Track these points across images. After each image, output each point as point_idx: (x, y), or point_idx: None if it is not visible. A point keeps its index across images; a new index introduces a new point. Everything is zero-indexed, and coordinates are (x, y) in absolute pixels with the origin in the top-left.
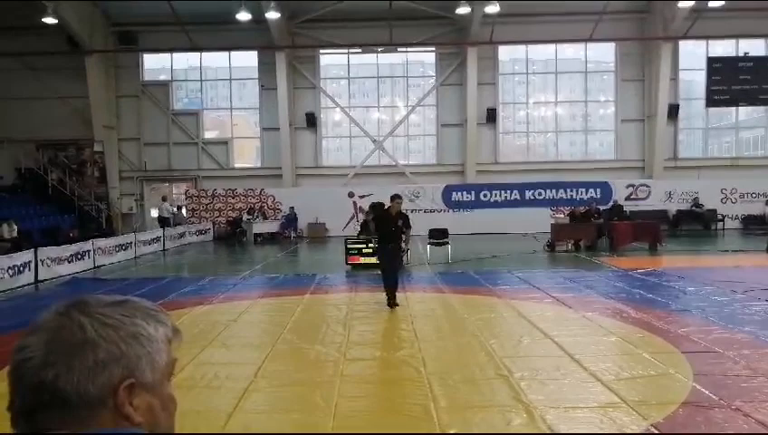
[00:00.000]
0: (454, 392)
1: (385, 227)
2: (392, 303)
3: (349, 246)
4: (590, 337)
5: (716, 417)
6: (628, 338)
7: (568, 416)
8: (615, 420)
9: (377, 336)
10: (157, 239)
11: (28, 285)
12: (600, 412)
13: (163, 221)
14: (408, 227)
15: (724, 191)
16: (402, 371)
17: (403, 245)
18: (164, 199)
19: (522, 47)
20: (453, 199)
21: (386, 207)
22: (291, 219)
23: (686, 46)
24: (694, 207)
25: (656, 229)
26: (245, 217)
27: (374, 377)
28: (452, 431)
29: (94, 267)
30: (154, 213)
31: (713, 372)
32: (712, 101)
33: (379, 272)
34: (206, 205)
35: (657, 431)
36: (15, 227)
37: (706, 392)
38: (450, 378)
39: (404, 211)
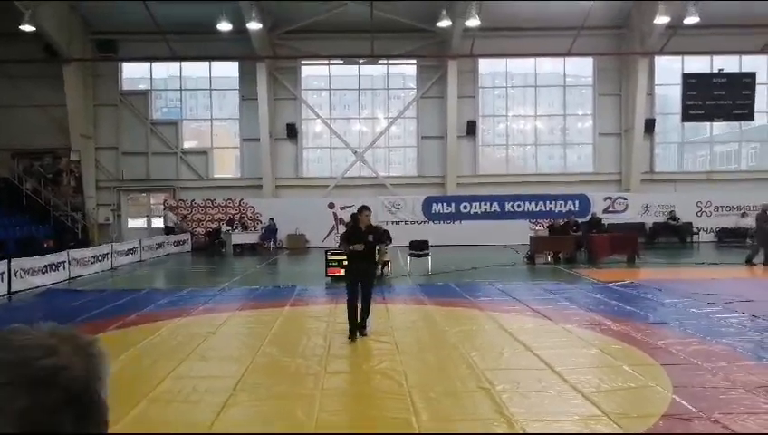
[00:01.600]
0: (435, 405)
1: (353, 242)
2: (355, 332)
3: (329, 257)
4: (570, 349)
5: (697, 429)
6: (607, 350)
7: (550, 429)
8: (597, 433)
9: (357, 349)
10: (133, 250)
11: (1, 296)
12: (581, 425)
13: (169, 230)
14: (384, 241)
15: (699, 204)
16: (383, 384)
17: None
18: (170, 209)
19: (501, 61)
20: (433, 211)
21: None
22: (271, 230)
23: (661, 62)
24: (670, 220)
25: (633, 242)
26: (225, 227)
27: (355, 390)
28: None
29: (69, 278)
30: (131, 223)
31: (692, 383)
32: (687, 115)
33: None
34: (185, 215)
35: None
36: None
37: (686, 404)
38: (432, 391)
39: (378, 225)
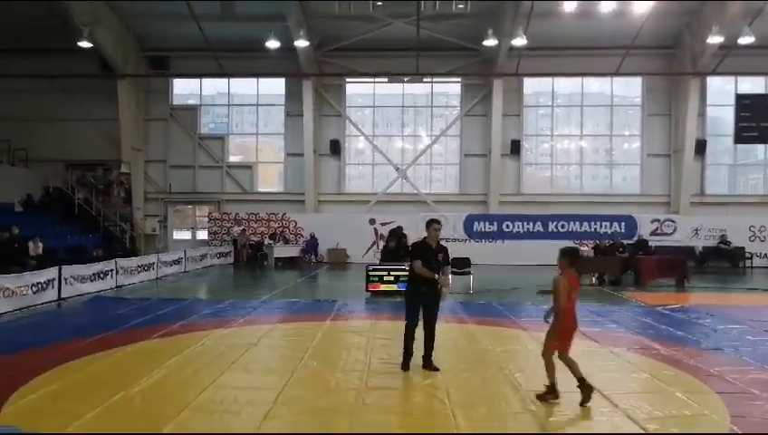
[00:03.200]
0: (479, 426)
1: (424, 261)
2: (409, 361)
3: (370, 273)
4: (619, 373)
5: None
6: (658, 375)
7: None
8: None
9: (398, 366)
10: (178, 261)
11: (51, 302)
12: None
13: (234, 243)
14: (448, 263)
15: (752, 229)
16: (425, 401)
17: (442, 287)
18: (241, 228)
19: (547, 81)
20: (475, 229)
21: (420, 235)
22: (312, 245)
23: (713, 82)
24: (721, 244)
25: (683, 265)
26: (267, 241)
27: (397, 407)
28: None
29: (116, 287)
30: (177, 235)
31: (751, 414)
32: (740, 137)
33: (405, 312)
34: (229, 228)
35: None
36: (41, 245)
37: None
38: (475, 411)
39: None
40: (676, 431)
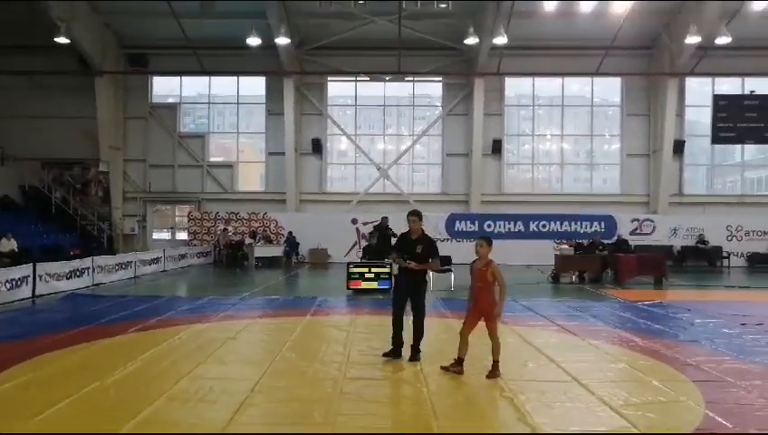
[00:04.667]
0: (456, 412)
1: (399, 252)
2: (397, 350)
3: (351, 270)
4: (596, 363)
5: None
6: (636, 365)
7: None
8: None
9: (378, 357)
10: (157, 260)
11: (25, 299)
12: None
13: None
14: (433, 255)
15: (729, 228)
16: (403, 390)
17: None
18: (223, 227)
19: (528, 82)
20: (456, 229)
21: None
22: (291, 243)
23: (691, 83)
24: (699, 244)
25: (661, 263)
26: (248, 240)
27: (375, 395)
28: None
29: (93, 285)
30: (156, 235)
31: (725, 400)
32: (718, 137)
33: (391, 305)
34: (209, 228)
35: None
36: (14, 242)
37: (720, 420)
38: (452, 398)
39: (426, 235)
40: (651, 416)
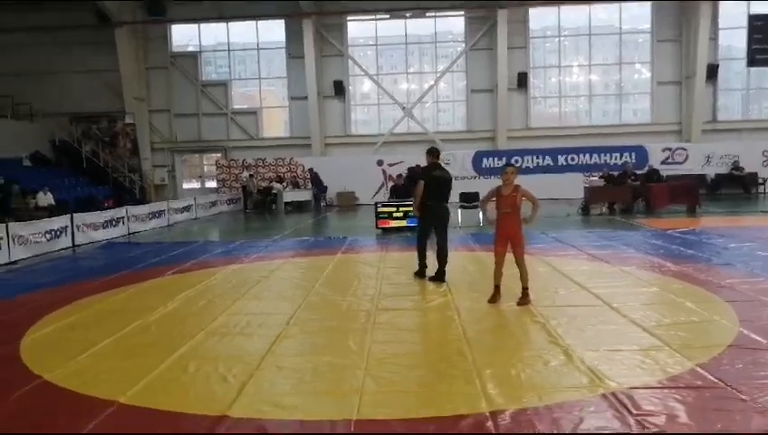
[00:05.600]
0: (488, 337)
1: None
2: (422, 271)
3: (379, 209)
4: (628, 288)
5: (765, 358)
6: (669, 289)
7: (607, 357)
8: (657, 361)
9: (409, 289)
10: (188, 208)
11: (65, 249)
12: (641, 354)
13: (244, 190)
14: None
15: (765, 154)
16: (435, 318)
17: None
18: (249, 174)
19: (553, 12)
20: (483, 166)
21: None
22: (317, 182)
23: (725, 4)
24: (733, 171)
25: (694, 190)
26: (275, 185)
27: (408, 324)
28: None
29: (128, 234)
30: (186, 184)
31: (760, 317)
32: (753, 60)
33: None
34: (237, 175)
35: (702, 372)
36: (51, 196)
37: (754, 336)
38: (483, 324)
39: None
40: (684, 335)
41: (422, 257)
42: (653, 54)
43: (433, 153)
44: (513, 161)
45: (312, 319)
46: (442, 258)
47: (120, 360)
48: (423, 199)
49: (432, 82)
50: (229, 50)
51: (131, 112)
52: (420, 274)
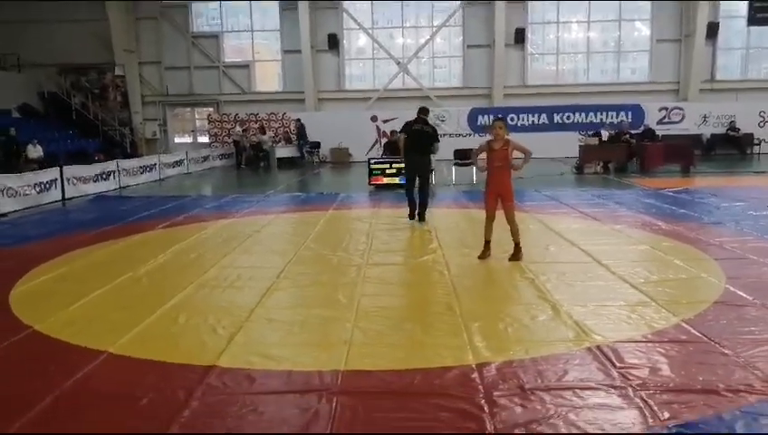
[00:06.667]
0: (477, 292)
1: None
2: (413, 213)
3: (372, 166)
4: (618, 246)
5: (749, 314)
6: (658, 247)
7: (594, 312)
8: (643, 317)
9: (400, 245)
10: (180, 162)
11: (55, 202)
12: (627, 309)
13: (237, 145)
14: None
15: (762, 114)
16: (425, 273)
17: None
18: (242, 129)
19: None
20: (479, 123)
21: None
22: (302, 135)
23: None
24: (729, 131)
25: (688, 151)
26: (261, 137)
27: (397, 278)
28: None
29: (119, 187)
30: (177, 139)
31: (747, 275)
32: (754, 19)
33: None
34: (229, 129)
35: (687, 327)
36: (40, 148)
37: (740, 293)
38: (473, 279)
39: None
40: (671, 291)
41: (410, 202)
42: (653, 12)
43: (421, 111)
44: (508, 119)
45: (303, 273)
46: (422, 202)
47: (110, 311)
48: (406, 151)
49: (428, 37)
50: (221, 0)
51: (121, 64)
52: (411, 216)
